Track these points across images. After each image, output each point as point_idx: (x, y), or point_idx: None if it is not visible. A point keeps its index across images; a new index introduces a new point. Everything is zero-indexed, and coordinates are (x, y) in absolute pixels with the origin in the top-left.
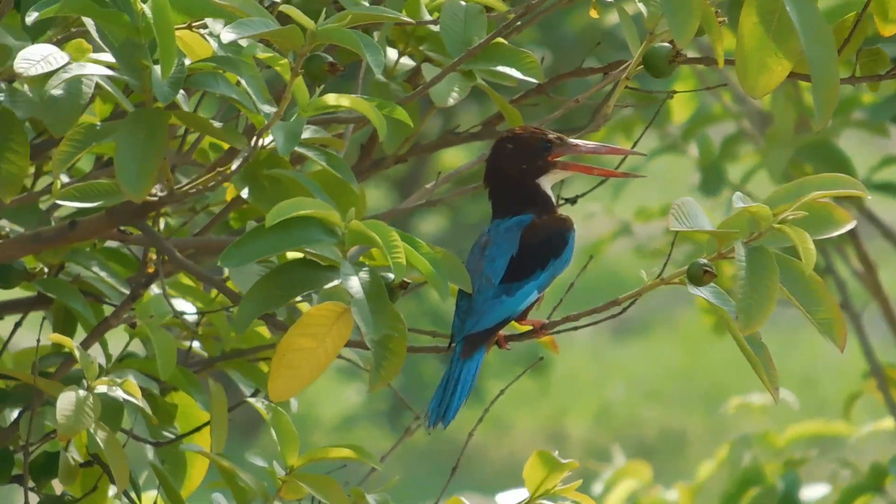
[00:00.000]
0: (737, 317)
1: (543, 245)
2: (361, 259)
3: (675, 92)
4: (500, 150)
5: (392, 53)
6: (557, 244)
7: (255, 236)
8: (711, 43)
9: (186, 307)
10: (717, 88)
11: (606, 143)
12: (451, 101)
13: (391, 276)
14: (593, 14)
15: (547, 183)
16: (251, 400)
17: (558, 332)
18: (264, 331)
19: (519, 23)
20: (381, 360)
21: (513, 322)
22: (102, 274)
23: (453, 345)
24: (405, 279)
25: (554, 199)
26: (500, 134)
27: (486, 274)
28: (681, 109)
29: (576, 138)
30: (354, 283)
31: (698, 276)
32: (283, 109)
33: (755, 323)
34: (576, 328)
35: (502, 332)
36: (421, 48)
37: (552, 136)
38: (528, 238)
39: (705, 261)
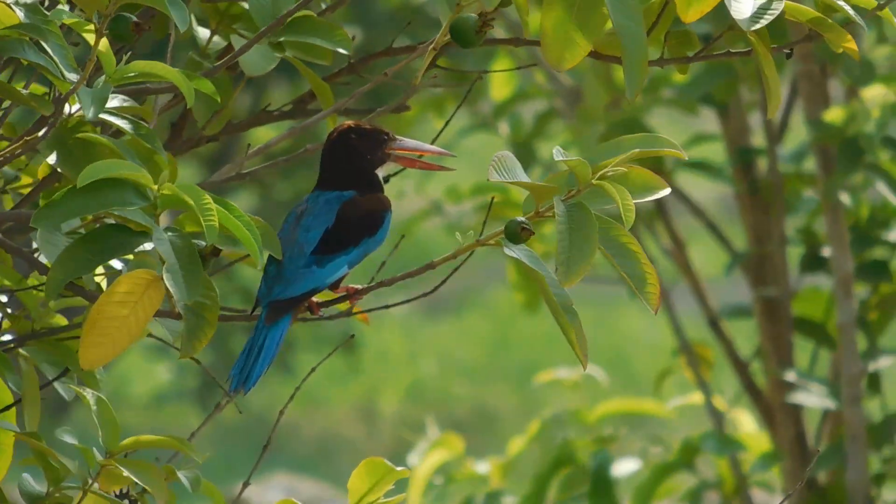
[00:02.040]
0: (556, 269)
1: (359, 222)
2: (173, 225)
3: (487, 71)
4: (345, 139)
5: (204, 32)
6: (373, 223)
7: (67, 197)
8: (518, 12)
9: None
10: (528, 67)
11: (424, 143)
12: (263, 72)
13: (202, 243)
14: None
15: (380, 171)
16: (75, 387)
17: (372, 309)
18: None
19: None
20: (193, 328)
21: (326, 289)
22: None
23: (258, 310)
24: (217, 246)
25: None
26: (341, 125)
27: (300, 242)
28: (500, 88)
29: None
30: (167, 248)
31: (516, 233)
32: (87, 73)
33: (574, 275)
34: (388, 306)
35: (315, 299)
36: (234, 26)
37: (386, 130)
38: (345, 213)
39: (523, 218)
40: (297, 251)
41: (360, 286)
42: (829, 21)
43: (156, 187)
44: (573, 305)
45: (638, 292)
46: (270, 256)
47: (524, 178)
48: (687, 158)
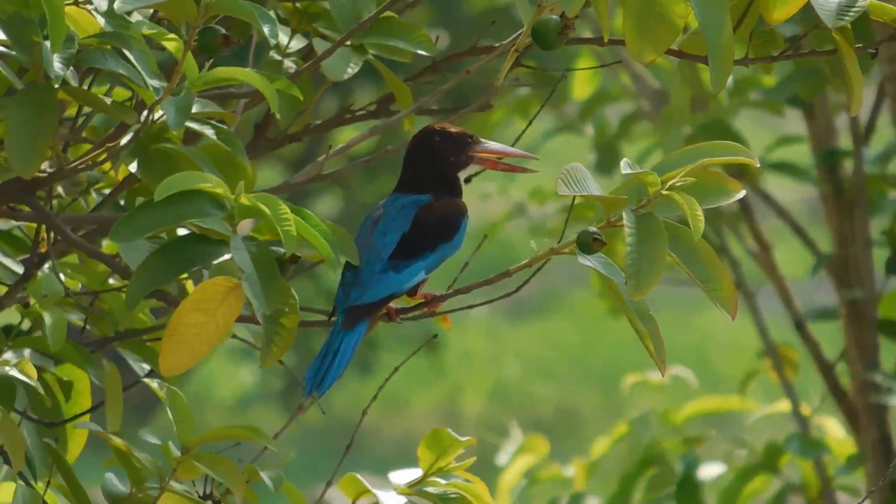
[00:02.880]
0: (625, 282)
1: (436, 227)
2: (251, 234)
3: (569, 70)
4: (429, 141)
5: (285, 32)
6: (450, 228)
7: (144, 210)
8: (598, 17)
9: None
10: (613, 67)
11: (507, 146)
12: (344, 76)
13: (281, 250)
14: None
15: (462, 174)
16: (146, 380)
17: (453, 310)
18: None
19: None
20: (272, 336)
21: (404, 296)
22: None
23: (335, 316)
24: (296, 253)
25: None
26: (427, 126)
27: (376, 248)
28: (582, 87)
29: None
30: (244, 258)
31: (587, 243)
32: (175, 83)
33: (644, 288)
34: (471, 307)
35: (393, 306)
36: (314, 25)
37: (470, 133)
38: (422, 218)
39: (595, 229)
40: (374, 256)
41: (437, 293)
42: None
43: (233, 197)
44: (650, 311)
45: (712, 298)
46: (348, 262)
47: (595, 189)
48: (759, 166)
